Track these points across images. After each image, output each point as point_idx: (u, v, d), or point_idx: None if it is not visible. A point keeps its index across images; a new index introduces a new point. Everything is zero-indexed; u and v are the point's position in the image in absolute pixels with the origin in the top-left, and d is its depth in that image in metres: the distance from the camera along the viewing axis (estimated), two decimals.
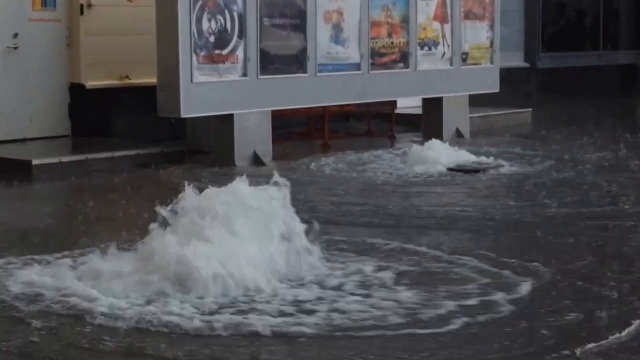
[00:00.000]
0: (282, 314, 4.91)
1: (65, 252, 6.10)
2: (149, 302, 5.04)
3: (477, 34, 12.96)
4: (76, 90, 11.25)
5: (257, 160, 10.35)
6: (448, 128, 12.59)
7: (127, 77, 11.39)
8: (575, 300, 5.16)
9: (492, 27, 13.14)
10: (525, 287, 5.37)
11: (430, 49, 12.37)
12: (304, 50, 10.91)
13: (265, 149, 10.48)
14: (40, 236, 6.79)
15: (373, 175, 9.64)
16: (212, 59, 9.98)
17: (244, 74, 10.31)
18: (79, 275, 5.46)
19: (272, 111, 10.68)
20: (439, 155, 10.07)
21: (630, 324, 4.71)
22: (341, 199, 8.35)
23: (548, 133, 12.92)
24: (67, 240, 6.58)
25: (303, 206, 6.97)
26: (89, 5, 11.20)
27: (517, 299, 5.19)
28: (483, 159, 10.28)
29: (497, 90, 13.23)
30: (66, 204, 8.79)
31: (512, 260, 5.95)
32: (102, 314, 4.88)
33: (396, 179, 9.40)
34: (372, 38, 11.62)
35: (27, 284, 5.40)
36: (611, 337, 4.53)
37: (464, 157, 10.24)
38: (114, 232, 6.76)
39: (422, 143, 10.68)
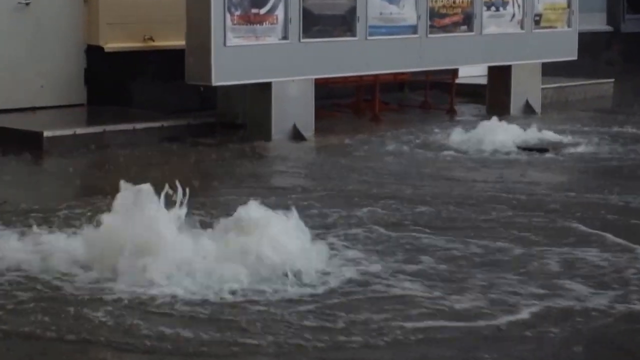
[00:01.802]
0: None
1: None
2: None
3: None
4: (93, 54, 11.30)
5: (296, 135, 10.41)
6: (516, 101, 12.56)
7: (150, 38, 11.42)
8: None
9: None
10: None
11: (498, 9, 12.32)
12: (353, 11, 10.92)
13: (307, 122, 10.52)
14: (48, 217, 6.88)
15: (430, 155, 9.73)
16: (248, 19, 10.02)
17: (285, 37, 10.36)
18: None
19: (315, 80, 10.73)
20: (508, 132, 10.11)
21: None
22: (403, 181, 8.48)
23: (632, 108, 12.80)
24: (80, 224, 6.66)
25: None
26: None
27: None
28: (555, 137, 10.27)
29: (574, 57, 13.17)
30: (81, 182, 8.87)
31: None
32: None
33: (463, 158, 9.51)
34: None
35: None
36: None
37: (535, 134, 10.25)
38: None
39: (486, 118, 10.69)
